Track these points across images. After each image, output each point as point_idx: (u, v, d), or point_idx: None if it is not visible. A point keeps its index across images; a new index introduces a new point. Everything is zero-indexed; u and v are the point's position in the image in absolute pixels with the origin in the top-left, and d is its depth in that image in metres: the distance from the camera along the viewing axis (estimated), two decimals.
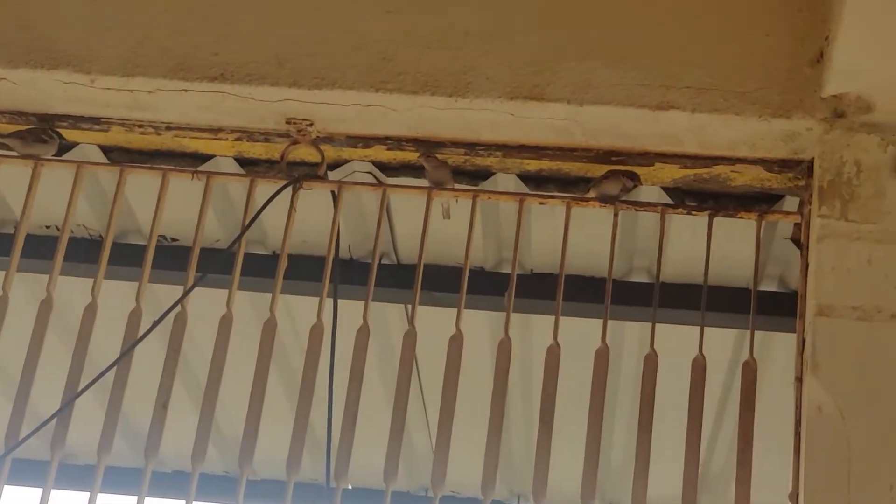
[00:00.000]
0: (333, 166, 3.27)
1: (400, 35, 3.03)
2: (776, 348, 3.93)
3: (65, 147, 3.28)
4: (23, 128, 3.18)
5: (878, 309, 2.72)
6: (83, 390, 3.00)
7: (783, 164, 3.01)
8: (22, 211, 3.17)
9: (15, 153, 3.20)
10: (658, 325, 3.04)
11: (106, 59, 3.06)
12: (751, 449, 2.88)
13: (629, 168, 3.07)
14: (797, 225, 3.04)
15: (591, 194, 3.11)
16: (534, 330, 4.09)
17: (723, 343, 4.01)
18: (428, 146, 3.10)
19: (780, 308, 3.35)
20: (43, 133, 3.16)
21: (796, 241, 3.04)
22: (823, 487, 2.60)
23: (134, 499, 3.00)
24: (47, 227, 3.79)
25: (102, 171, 3.40)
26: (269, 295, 3.10)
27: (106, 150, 3.34)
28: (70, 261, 3.20)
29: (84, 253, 3.50)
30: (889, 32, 2.64)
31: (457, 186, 3.17)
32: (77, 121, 3.18)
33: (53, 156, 3.20)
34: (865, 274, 2.75)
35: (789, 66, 2.94)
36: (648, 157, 3.05)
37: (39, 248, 3.41)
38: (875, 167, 2.85)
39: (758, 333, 3.10)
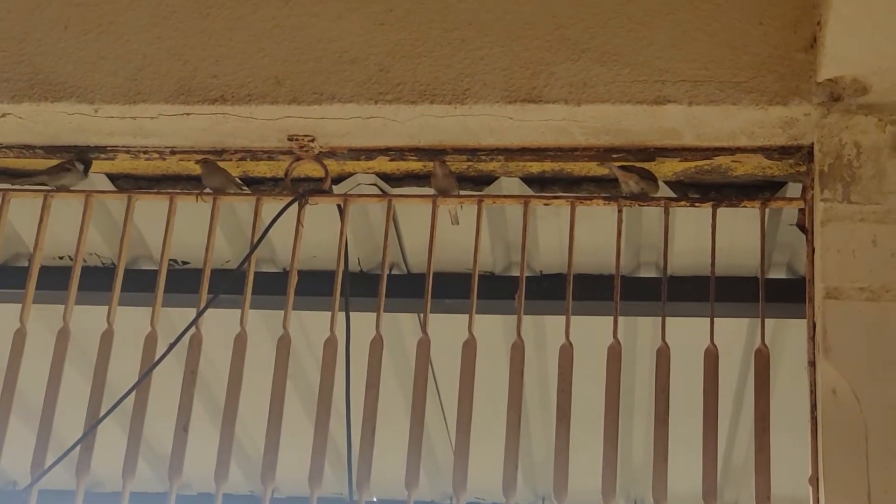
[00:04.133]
0: (338, 180, 3.30)
1: (394, 46, 3.06)
2: (790, 335, 3.94)
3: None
4: (55, 163, 3.21)
5: (886, 289, 2.73)
6: (105, 416, 3.03)
7: (783, 151, 3.03)
8: (35, 243, 3.20)
9: (46, 187, 3.24)
10: (670, 319, 3.06)
11: (108, 88, 3.09)
12: (768, 435, 2.89)
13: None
14: (801, 210, 3.05)
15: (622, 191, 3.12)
16: (546, 331, 4.12)
17: (736, 333, 4.03)
18: (430, 154, 3.13)
19: (790, 294, 3.36)
20: (67, 163, 3.20)
21: (801, 226, 3.05)
22: (842, 469, 2.61)
23: None
24: (60, 258, 3.83)
25: (111, 198, 3.43)
26: (282, 312, 3.12)
27: (113, 177, 3.38)
28: (84, 289, 3.24)
29: (98, 281, 3.53)
30: (880, 13, 2.66)
31: (461, 193, 3.19)
32: (83, 151, 3.21)
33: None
34: (871, 255, 2.76)
35: (783, 53, 2.95)
36: (649, 153, 3.07)
37: (54, 279, 3.44)
38: (874, 148, 2.86)
39: (771, 321, 3.10)
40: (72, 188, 3.24)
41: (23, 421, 3.68)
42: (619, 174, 3.08)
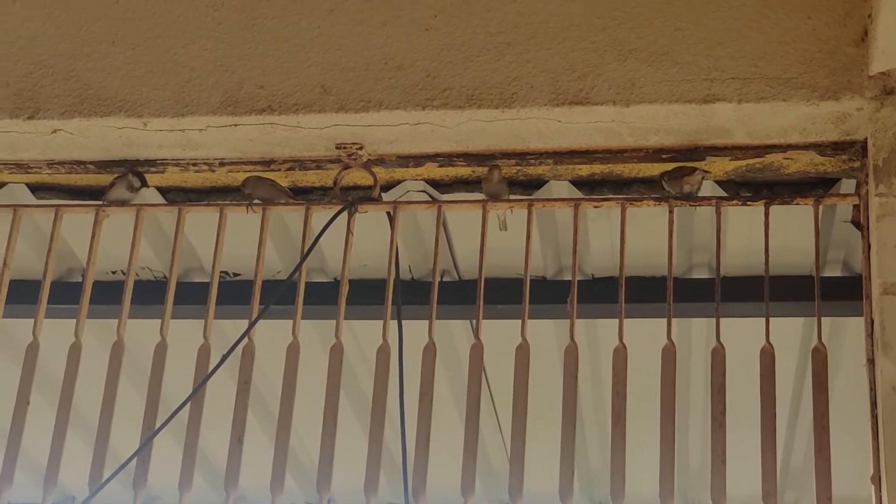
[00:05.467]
0: (387, 188, 3.30)
1: (440, 51, 3.05)
2: (847, 333, 3.90)
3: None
4: (112, 177, 3.24)
5: None
6: (160, 428, 3.04)
7: (836, 147, 2.99)
8: (87, 258, 3.22)
9: (98, 202, 3.26)
10: (725, 320, 3.02)
11: (156, 102, 3.11)
12: (828, 434, 2.85)
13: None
14: (856, 206, 3.02)
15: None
16: (599, 335, 4.09)
17: (791, 333, 3.99)
18: (479, 160, 3.12)
19: (846, 292, 3.32)
20: (121, 176, 3.23)
21: (856, 223, 3.02)
22: None
23: None
24: (113, 273, 3.85)
25: (161, 212, 3.45)
26: (334, 322, 3.12)
27: (163, 190, 3.40)
28: (137, 303, 3.25)
29: (150, 294, 3.55)
30: None
31: (511, 197, 3.18)
32: (133, 165, 3.23)
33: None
34: None
35: (833, 47, 2.92)
36: (699, 152, 3.05)
37: (107, 294, 3.46)
38: None
39: (828, 319, 3.06)
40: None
41: (79, 435, 3.70)
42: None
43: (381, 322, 3.09)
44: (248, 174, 3.23)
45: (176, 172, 3.26)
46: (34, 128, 3.16)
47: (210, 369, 3.09)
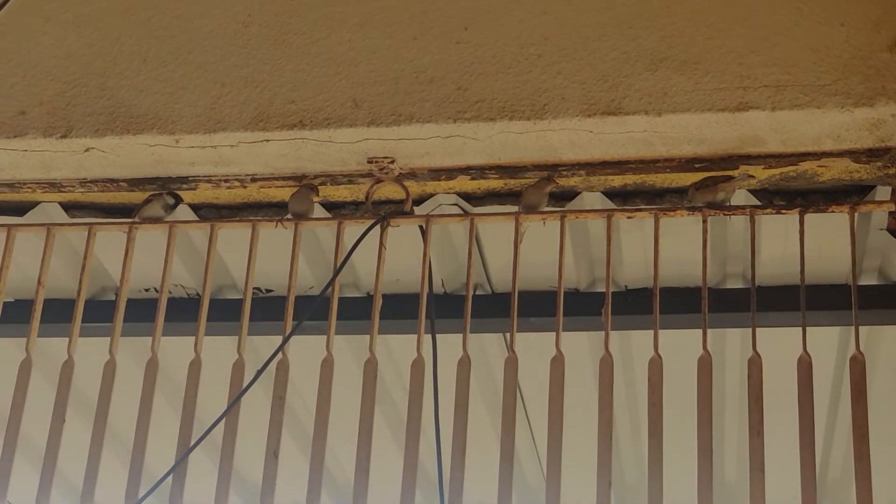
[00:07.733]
0: (419, 201, 3.29)
1: (471, 64, 3.05)
2: (883, 342, 3.86)
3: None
4: (147, 194, 3.25)
5: None
6: (196, 444, 3.04)
7: (871, 154, 2.97)
8: (121, 275, 3.22)
9: (130, 219, 3.27)
10: (759, 330, 3.00)
11: (188, 118, 3.12)
12: (867, 443, 2.82)
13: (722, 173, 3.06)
14: (892, 214, 3.00)
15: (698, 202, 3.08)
16: (633, 346, 4.07)
17: (827, 344, 3.95)
18: (511, 172, 3.11)
19: (882, 301, 3.29)
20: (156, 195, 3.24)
21: (892, 230, 2.99)
22: None
23: None
24: (146, 290, 3.86)
25: (193, 228, 3.45)
26: (367, 337, 3.11)
27: (195, 207, 3.40)
28: (170, 321, 3.25)
29: (183, 312, 3.55)
30: None
31: (544, 209, 3.17)
32: (165, 182, 3.24)
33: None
34: None
35: (867, 53, 2.90)
36: (732, 161, 3.03)
37: (140, 312, 3.47)
38: None
39: (863, 328, 3.04)
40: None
41: (114, 452, 3.71)
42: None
43: (415, 336, 3.08)
44: (280, 189, 3.23)
45: (208, 189, 3.26)
46: (67, 146, 3.17)
47: (244, 385, 3.08)
